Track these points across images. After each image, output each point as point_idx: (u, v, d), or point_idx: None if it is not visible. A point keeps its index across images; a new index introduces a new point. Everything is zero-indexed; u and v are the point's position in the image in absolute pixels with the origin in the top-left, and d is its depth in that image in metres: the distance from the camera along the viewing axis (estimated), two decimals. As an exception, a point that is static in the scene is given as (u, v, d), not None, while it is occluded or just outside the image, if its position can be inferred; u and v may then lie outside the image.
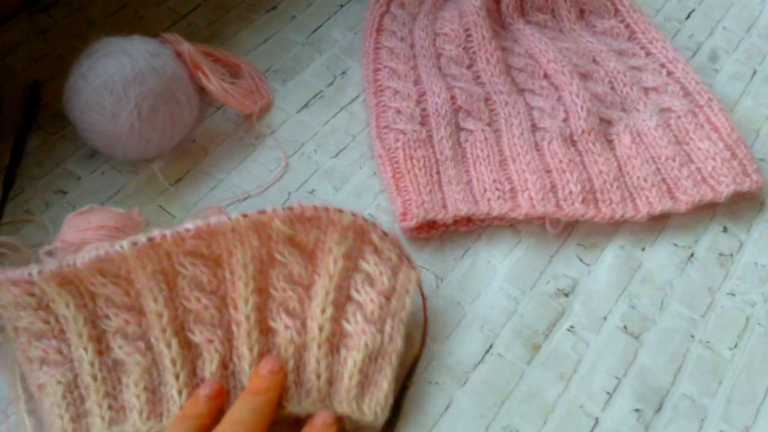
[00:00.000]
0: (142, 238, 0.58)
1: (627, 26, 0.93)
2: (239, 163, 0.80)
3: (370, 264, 0.63)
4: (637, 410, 0.65)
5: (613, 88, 0.86)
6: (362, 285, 0.63)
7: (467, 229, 0.76)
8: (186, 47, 0.76)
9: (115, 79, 0.70)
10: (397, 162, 0.78)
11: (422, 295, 0.67)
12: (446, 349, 0.67)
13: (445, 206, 0.75)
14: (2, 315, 0.60)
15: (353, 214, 0.62)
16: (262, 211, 0.60)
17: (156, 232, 0.58)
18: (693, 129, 0.81)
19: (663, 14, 0.99)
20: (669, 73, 0.88)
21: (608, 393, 0.66)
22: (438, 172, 0.78)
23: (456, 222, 0.75)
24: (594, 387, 0.66)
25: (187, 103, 0.75)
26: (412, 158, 0.78)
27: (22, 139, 0.78)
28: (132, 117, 0.70)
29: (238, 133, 0.82)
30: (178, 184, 0.77)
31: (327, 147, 0.82)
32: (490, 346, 0.68)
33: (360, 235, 0.63)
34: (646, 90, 0.86)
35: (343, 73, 0.89)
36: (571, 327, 0.70)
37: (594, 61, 0.88)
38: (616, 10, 0.95)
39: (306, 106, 0.86)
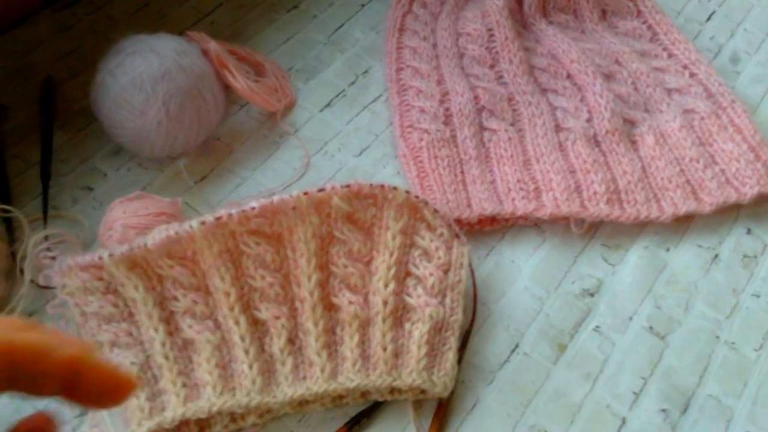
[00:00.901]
0: (209, 218, 0.59)
1: (649, 27, 0.94)
2: (263, 162, 0.80)
3: (425, 239, 0.65)
4: (663, 410, 0.65)
5: (636, 88, 0.86)
6: (420, 260, 0.65)
7: (491, 228, 0.76)
8: (212, 45, 0.76)
9: (144, 76, 0.70)
10: (421, 161, 0.78)
11: (471, 269, 0.67)
12: (472, 348, 0.67)
13: (469, 205, 0.75)
14: (69, 301, 0.61)
15: (407, 192, 0.64)
16: (322, 189, 0.61)
17: (222, 211, 0.60)
18: (717, 131, 0.81)
19: (684, 16, 0.99)
20: (692, 75, 0.88)
21: (635, 393, 0.66)
22: (462, 172, 0.78)
23: (480, 221, 0.75)
24: (620, 387, 0.66)
25: (213, 101, 0.75)
26: (436, 157, 0.78)
27: (48, 134, 0.78)
28: (160, 114, 0.71)
29: (261, 132, 0.82)
30: (202, 181, 0.78)
31: (350, 146, 0.82)
32: (516, 346, 0.68)
33: (413, 212, 0.65)
34: (669, 91, 0.86)
35: (365, 72, 0.90)
36: (597, 327, 0.70)
37: (617, 61, 0.88)
38: (639, 12, 0.95)
39: (329, 105, 0.86)
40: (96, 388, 0.32)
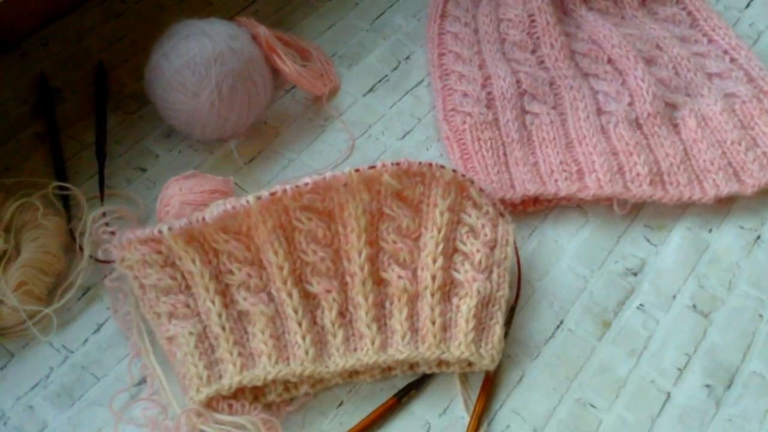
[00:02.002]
0: (264, 193, 0.61)
1: (689, 13, 0.94)
2: (309, 144, 0.82)
3: (471, 217, 0.66)
4: (707, 386, 0.66)
5: (677, 73, 0.86)
6: (467, 237, 0.66)
7: (534, 209, 0.77)
8: (262, 30, 0.78)
9: (197, 59, 0.72)
10: (464, 143, 0.80)
11: (515, 246, 0.69)
12: (518, 324, 0.69)
13: (513, 186, 0.76)
14: (128, 274, 0.63)
15: (453, 171, 0.65)
16: (372, 166, 0.63)
17: (277, 187, 0.61)
18: (758, 114, 0.82)
19: (723, 3, 0.99)
20: (732, 60, 0.88)
21: (679, 369, 0.67)
22: (505, 154, 0.79)
23: (523, 202, 0.76)
24: (665, 363, 0.67)
25: (262, 85, 0.77)
26: (479, 140, 0.80)
27: (101, 117, 0.80)
28: (212, 96, 0.72)
29: (307, 115, 0.84)
30: (251, 163, 0.79)
31: (393, 129, 0.84)
32: (561, 322, 0.69)
33: (460, 190, 0.67)
34: (709, 75, 0.87)
35: (407, 58, 0.91)
36: (641, 305, 0.71)
37: (657, 46, 0.89)
38: (678, -2, 0.95)
39: (372, 89, 0.87)
40: None
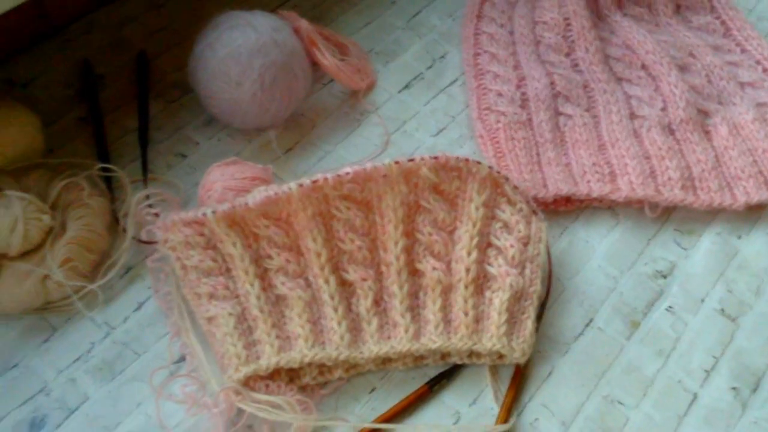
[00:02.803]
0: (306, 181, 0.63)
1: (722, 23, 0.95)
2: (345, 137, 0.83)
3: (506, 213, 0.68)
4: (734, 388, 0.67)
5: (710, 81, 0.87)
6: (501, 232, 0.67)
7: (565, 209, 0.78)
8: (303, 24, 0.80)
9: (241, 50, 0.74)
10: (498, 142, 0.81)
11: (547, 244, 0.70)
12: (547, 320, 0.70)
13: (545, 185, 0.77)
14: (171, 255, 0.65)
15: (489, 167, 0.66)
16: (411, 159, 0.64)
17: (318, 175, 0.63)
18: (789, 124, 0.83)
19: (756, 14, 1.00)
20: (765, 70, 0.89)
21: (706, 371, 0.68)
22: (538, 154, 0.81)
23: (554, 202, 0.77)
24: (692, 364, 0.68)
25: (302, 77, 0.78)
26: (512, 139, 0.81)
27: (144, 103, 0.82)
28: (255, 86, 0.74)
29: (343, 109, 0.86)
30: (288, 153, 0.81)
31: (428, 126, 0.85)
32: (590, 321, 0.70)
33: (495, 186, 0.68)
34: (742, 85, 0.88)
35: (442, 57, 0.92)
36: (670, 307, 0.72)
37: (691, 54, 0.90)
38: (712, 7, 0.96)
39: (407, 86, 0.89)
40: None
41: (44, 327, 0.66)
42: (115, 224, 0.72)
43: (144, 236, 0.68)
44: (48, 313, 0.66)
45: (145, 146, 0.78)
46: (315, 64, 0.81)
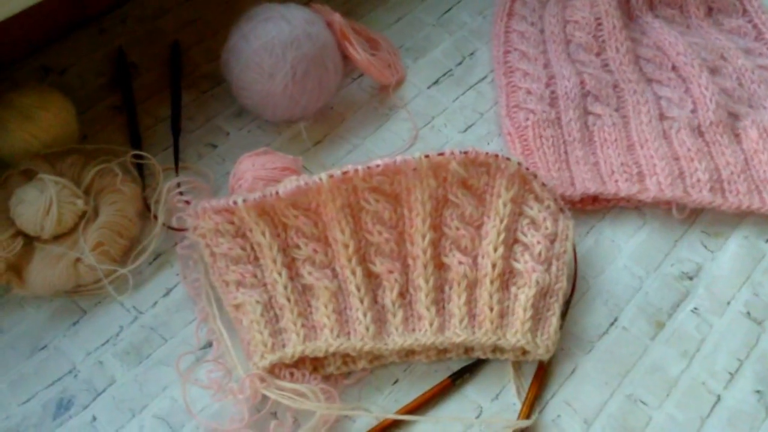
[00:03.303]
0: (337, 171, 0.63)
1: (754, 26, 0.94)
2: (373, 131, 0.84)
3: (533, 210, 0.68)
4: (758, 391, 0.66)
5: (740, 84, 0.87)
6: (528, 228, 0.68)
7: (592, 208, 0.78)
8: (336, 17, 0.80)
9: (275, 42, 0.74)
10: (526, 140, 0.81)
11: (573, 242, 0.70)
12: (572, 318, 0.70)
13: (573, 184, 0.77)
14: (201, 242, 0.66)
15: (518, 163, 0.66)
16: (441, 153, 0.65)
17: (349, 166, 0.63)
18: (820, 129, 0.82)
19: (789, 17, 0.99)
20: (797, 74, 0.88)
21: (730, 373, 0.67)
22: (566, 152, 0.81)
23: (582, 201, 0.77)
24: (716, 366, 0.68)
25: (333, 70, 0.79)
26: (541, 137, 0.81)
27: (176, 93, 0.83)
28: (287, 78, 0.75)
29: (372, 104, 0.86)
30: (317, 146, 0.82)
31: (456, 122, 0.85)
32: (615, 320, 0.70)
33: (523, 183, 0.68)
34: (773, 88, 0.87)
35: (472, 54, 0.93)
36: (695, 309, 0.71)
37: (722, 57, 0.89)
38: (744, 10, 0.96)
39: (436, 82, 0.89)
40: None
41: (74, 310, 0.68)
42: (146, 211, 0.73)
43: (174, 223, 0.69)
44: (78, 296, 0.68)
45: (177, 135, 0.80)
46: (346, 58, 0.82)
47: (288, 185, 0.64)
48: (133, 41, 0.90)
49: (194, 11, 0.94)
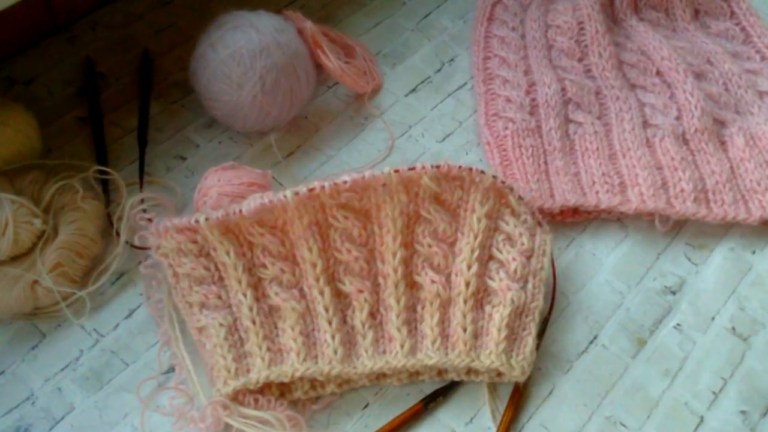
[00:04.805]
0: (302, 189, 0.61)
1: (742, 29, 0.92)
2: (348, 141, 0.81)
3: (509, 225, 0.65)
4: (743, 412, 0.64)
5: (727, 89, 0.84)
6: (503, 244, 0.65)
7: (572, 220, 0.76)
8: (308, 25, 0.78)
9: (243, 51, 0.72)
10: (505, 150, 0.79)
11: (552, 257, 0.68)
12: (550, 336, 0.67)
13: (552, 195, 0.75)
14: (163, 262, 0.64)
15: (494, 177, 0.64)
16: (412, 168, 0.62)
17: (315, 183, 0.61)
18: (809, 135, 0.80)
19: (777, 19, 0.97)
20: (785, 78, 0.86)
21: (714, 393, 0.65)
22: (546, 162, 0.78)
23: (561, 213, 0.75)
24: (700, 386, 0.65)
25: (305, 79, 0.76)
26: (520, 146, 0.79)
27: (144, 103, 0.81)
28: (256, 89, 0.72)
29: (347, 113, 0.84)
30: (289, 157, 0.79)
31: (434, 131, 0.83)
32: (595, 337, 0.68)
33: (499, 197, 0.66)
34: (761, 94, 0.85)
35: (451, 60, 0.90)
36: (678, 325, 0.69)
37: (708, 61, 0.87)
38: (732, 13, 0.93)
39: (414, 90, 0.87)
40: None
41: (33, 333, 0.65)
42: (109, 228, 0.70)
43: (137, 242, 0.66)
44: (37, 319, 0.65)
45: (144, 147, 0.77)
46: (319, 67, 0.79)
47: (252, 203, 0.62)
48: (103, 49, 0.87)
49: (166, 18, 0.91)
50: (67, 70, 0.85)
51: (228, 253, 0.63)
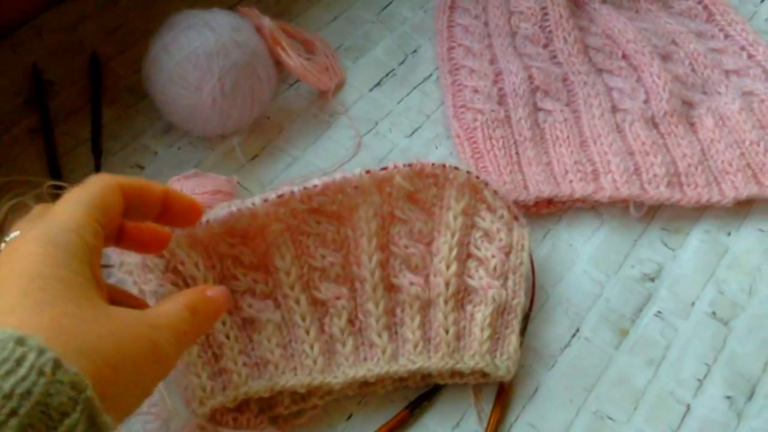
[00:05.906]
0: (271, 195, 0.58)
1: (705, 7, 0.91)
2: (314, 141, 0.79)
3: (486, 221, 0.64)
4: (728, 397, 0.64)
5: (693, 69, 0.84)
6: (481, 241, 0.64)
7: (548, 211, 0.74)
8: (266, 21, 0.75)
9: (199, 52, 0.69)
10: (475, 142, 0.77)
11: (529, 251, 0.66)
12: (532, 332, 0.66)
13: (526, 187, 0.73)
14: (127, 279, 0.60)
15: (468, 172, 0.62)
16: (384, 168, 0.60)
17: (285, 188, 0.58)
18: (777, 113, 0.80)
19: (738, -4, 0.96)
20: (750, 56, 0.86)
21: (699, 380, 0.65)
22: (517, 153, 0.77)
23: (536, 204, 0.74)
24: (684, 373, 0.65)
25: (266, 78, 0.74)
26: (491, 138, 0.77)
27: (96, 110, 0.77)
28: (215, 91, 0.69)
29: (311, 111, 0.81)
30: (254, 160, 0.76)
31: (401, 126, 0.81)
32: (577, 330, 0.67)
33: (474, 192, 0.64)
34: (727, 72, 0.84)
35: (415, 51, 0.88)
36: (659, 312, 0.68)
37: (673, 42, 0.86)
38: (693, -9, 0.93)
39: (378, 84, 0.84)
40: (182, 210, 0.52)
41: (-7, 361, 0.61)
42: (68, 245, 0.66)
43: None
44: (-3, 347, 0.62)
45: (99, 157, 0.74)
46: (279, 64, 0.77)
47: (219, 212, 0.59)
48: (50, 55, 0.83)
49: (115, 18, 0.87)
50: (12, 79, 0.80)
51: (197, 266, 0.60)
